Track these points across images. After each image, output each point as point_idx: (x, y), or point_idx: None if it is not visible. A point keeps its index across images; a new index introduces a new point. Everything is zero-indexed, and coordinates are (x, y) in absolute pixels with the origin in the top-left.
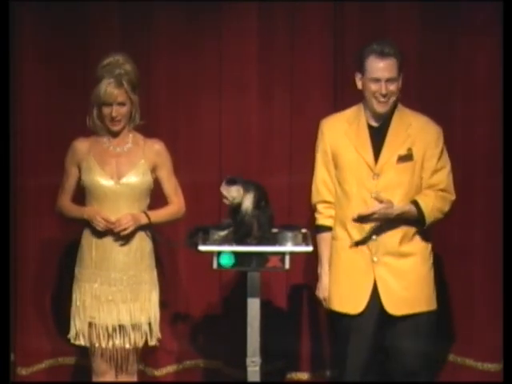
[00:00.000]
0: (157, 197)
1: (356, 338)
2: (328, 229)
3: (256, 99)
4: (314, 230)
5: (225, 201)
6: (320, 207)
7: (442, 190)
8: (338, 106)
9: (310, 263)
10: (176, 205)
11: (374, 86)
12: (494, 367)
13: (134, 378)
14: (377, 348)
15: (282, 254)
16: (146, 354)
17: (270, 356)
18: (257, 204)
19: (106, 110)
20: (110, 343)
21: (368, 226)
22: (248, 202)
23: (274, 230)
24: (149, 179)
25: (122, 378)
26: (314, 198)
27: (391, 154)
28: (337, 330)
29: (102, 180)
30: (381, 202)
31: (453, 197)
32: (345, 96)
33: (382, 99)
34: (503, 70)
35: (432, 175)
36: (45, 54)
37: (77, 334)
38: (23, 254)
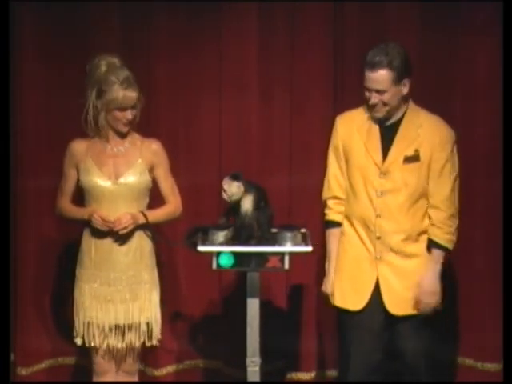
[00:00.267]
0: (156, 196)
1: (359, 335)
2: (337, 224)
3: (256, 99)
4: (324, 226)
5: (223, 195)
6: (330, 203)
7: (434, 206)
8: (338, 106)
9: (309, 263)
10: (173, 204)
11: (366, 93)
12: (493, 367)
13: (135, 378)
14: (384, 349)
15: (282, 254)
16: (146, 354)
17: (269, 356)
18: (256, 206)
19: (119, 115)
20: (106, 343)
21: (372, 224)
22: (248, 204)
23: (274, 230)
24: (146, 179)
25: (123, 378)
26: (325, 194)
27: (398, 154)
28: (340, 326)
29: (100, 181)
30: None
31: (447, 212)
32: (345, 96)
33: (374, 107)
34: (503, 70)
35: (436, 180)
36: (45, 54)
37: (77, 335)
38: (23, 254)
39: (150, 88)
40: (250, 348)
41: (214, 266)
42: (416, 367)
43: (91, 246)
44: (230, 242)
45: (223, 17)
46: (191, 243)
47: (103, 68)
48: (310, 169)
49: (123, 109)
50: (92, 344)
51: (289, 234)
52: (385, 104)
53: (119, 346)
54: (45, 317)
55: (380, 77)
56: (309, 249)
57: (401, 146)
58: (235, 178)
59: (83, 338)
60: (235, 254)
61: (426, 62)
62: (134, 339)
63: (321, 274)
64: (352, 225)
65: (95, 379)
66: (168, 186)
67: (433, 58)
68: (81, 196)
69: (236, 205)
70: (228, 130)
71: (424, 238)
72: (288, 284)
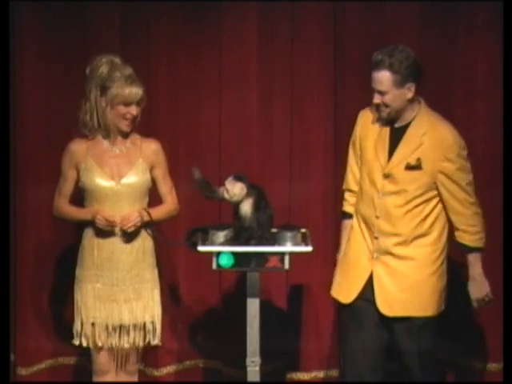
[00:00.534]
0: (157, 196)
1: (353, 327)
2: (350, 216)
3: (256, 99)
4: (340, 217)
5: (225, 194)
6: (346, 195)
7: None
8: (338, 106)
9: (309, 263)
10: (171, 203)
11: (373, 94)
12: (493, 367)
13: (135, 378)
14: (382, 349)
15: (282, 254)
16: (146, 354)
17: (269, 356)
18: (256, 208)
19: (124, 110)
20: (111, 343)
21: (372, 224)
22: (247, 207)
23: (274, 230)
24: (148, 178)
25: (123, 378)
26: (344, 186)
27: (401, 159)
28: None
29: (103, 181)
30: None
31: (467, 214)
32: (345, 96)
33: (377, 107)
34: (503, 70)
35: (448, 191)
36: (45, 53)
37: (79, 335)
38: (23, 255)
39: (150, 88)
40: (250, 348)
41: (214, 266)
42: (412, 367)
43: (93, 247)
44: (230, 242)
45: (223, 17)
46: (191, 243)
47: (106, 66)
48: (310, 169)
49: (128, 104)
50: (99, 344)
51: (289, 234)
52: (386, 105)
53: (125, 345)
54: (45, 317)
55: (381, 77)
56: (309, 249)
57: (404, 152)
58: (239, 179)
59: (87, 338)
60: (235, 254)
61: (426, 62)
62: (139, 339)
63: (321, 273)
64: (358, 220)
65: (95, 379)
66: (167, 185)
67: (433, 58)
68: (80, 197)
69: (236, 207)
70: (228, 130)
71: (421, 241)
72: (288, 284)
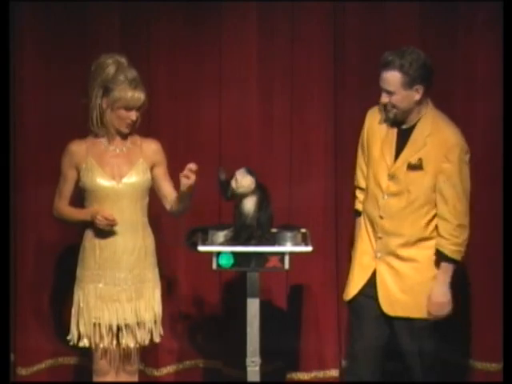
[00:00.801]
0: (157, 196)
1: (358, 323)
2: (360, 213)
3: (256, 99)
4: (353, 215)
5: (233, 183)
6: (357, 192)
7: (441, 217)
8: (338, 106)
9: (309, 263)
10: None
11: (381, 93)
12: (493, 367)
13: (135, 379)
14: (380, 349)
15: (282, 254)
16: (146, 354)
17: (269, 356)
18: (259, 207)
19: (125, 114)
20: (114, 343)
21: (376, 224)
22: (250, 205)
23: (274, 230)
24: (148, 178)
25: (124, 379)
26: (355, 183)
27: (405, 160)
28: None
29: (104, 181)
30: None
31: (453, 222)
32: (345, 96)
33: (385, 107)
34: (503, 70)
35: (442, 191)
36: (45, 53)
37: (80, 336)
38: (23, 255)
39: (150, 88)
40: (250, 348)
41: (214, 266)
42: (413, 367)
43: (95, 247)
44: (229, 241)
45: (223, 17)
46: (191, 243)
47: (111, 66)
48: (310, 169)
49: (129, 109)
50: (101, 345)
51: (289, 234)
52: (393, 106)
53: (130, 345)
54: (45, 317)
55: (390, 77)
56: (309, 249)
57: (408, 153)
58: (250, 173)
59: (89, 339)
60: (235, 254)
61: None
62: (141, 338)
63: (321, 273)
64: (364, 220)
65: (96, 379)
66: (170, 183)
67: (433, 58)
68: (80, 197)
69: (239, 202)
70: (228, 130)
71: (424, 244)
72: (288, 284)
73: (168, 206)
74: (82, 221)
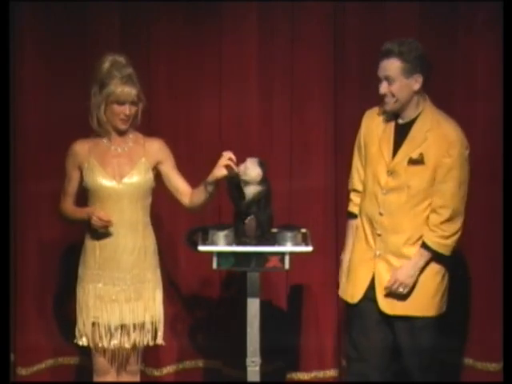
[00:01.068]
0: (157, 196)
1: (359, 325)
2: (355, 216)
3: (256, 99)
4: (346, 217)
5: (240, 167)
6: (351, 195)
7: (433, 210)
8: (338, 105)
9: (309, 263)
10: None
11: (379, 85)
12: (493, 367)
13: (137, 379)
14: (387, 349)
15: (282, 254)
16: (147, 354)
17: (269, 356)
18: (258, 197)
19: (118, 109)
20: (113, 343)
21: (375, 221)
22: (253, 190)
23: (274, 230)
24: (150, 177)
25: (125, 379)
26: (349, 186)
27: (405, 155)
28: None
29: (105, 181)
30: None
31: (443, 216)
32: (345, 96)
33: (384, 99)
34: (503, 69)
35: (438, 185)
36: (45, 53)
37: (80, 335)
38: (23, 254)
39: (150, 88)
40: (250, 348)
41: (214, 265)
42: (411, 367)
43: (95, 246)
44: (230, 241)
45: (223, 17)
46: (191, 243)
47: (107, 64)
48: (310, 168)
49: (121, 103)
50: (99, 344)
51: (289, 234)
52: (393, 95)
53: (126, 345)
54: (45, 317)
55: (390, 64)
56: (309, 249)
57: (408, 148)
58: (261, 165)
59: (88, 338)
60: (235, 254)
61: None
62: (139, 339)
63: (321, 273)
64: (362, 220)
65: (96, 379)
66: (181, 178)
67: (433, 58)
68: (84, 197)
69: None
70: (228, 130)
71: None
72: (288, 284)
73: (186, 201)
74: (80, 219)
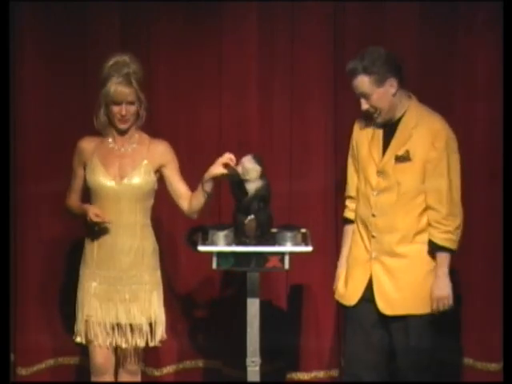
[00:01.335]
0: (158, 197)
1: (356, 328)
2: (350, 222)
3: (256, 99)
4: (342, 223)
5: (239, 167)
6: (347, 201)
7: (430, 207)
8: (338, 105)
9: (309, 263)
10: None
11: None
12: (493, 367)
13: (138, 379)
14: (385, 349)
15: (282, 254)
16: (147, 354)
17: (270, 356)
18: (257, 193)
19: (115, 109)
20: (108, 341)
21: (369, 223)
22: (253, 186)
23: (274, 230)
24: (152, 180)
25: (125, 379)
26: (345, 192)
27: (392, 154)
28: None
29: (105, 180)
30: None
31: (442, 211)
32: (345, 96)
33: (371, 115)
34: (503, 70)
35: (430, 180)
36: (45, 53)
37: (77, 332)
38: (24, 254)
39: (150, 88)
40: (250, 348)
41: (214, 265)
42: (408, 367)
43: (94, 245)
44: (229, 241)
45: (223, 17)
46: (191, 243)
47: (108, 64)
48: (310, 169)
49: (118, 103)
50: (94, 343)
51: (289, 234)
52: (375, 108)
53: (123, 345)
54: (45, 317)
55: (359, 82)
56: (309, 249)
57: (395, 146)
58: (258, 161)
59: (82, 337)
60: (235, 254)
61: (426, 62)
62: (135, 340)
63: (321, 273)
64: (357, 224)
65: (93, 379)
66: (183, 183)
67: (433, 58)
68: (88, 194)
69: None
70: (228, 130)
71: (419, 238)
72: (288, 284)
73: (185, 206)
74: (81, 215)
